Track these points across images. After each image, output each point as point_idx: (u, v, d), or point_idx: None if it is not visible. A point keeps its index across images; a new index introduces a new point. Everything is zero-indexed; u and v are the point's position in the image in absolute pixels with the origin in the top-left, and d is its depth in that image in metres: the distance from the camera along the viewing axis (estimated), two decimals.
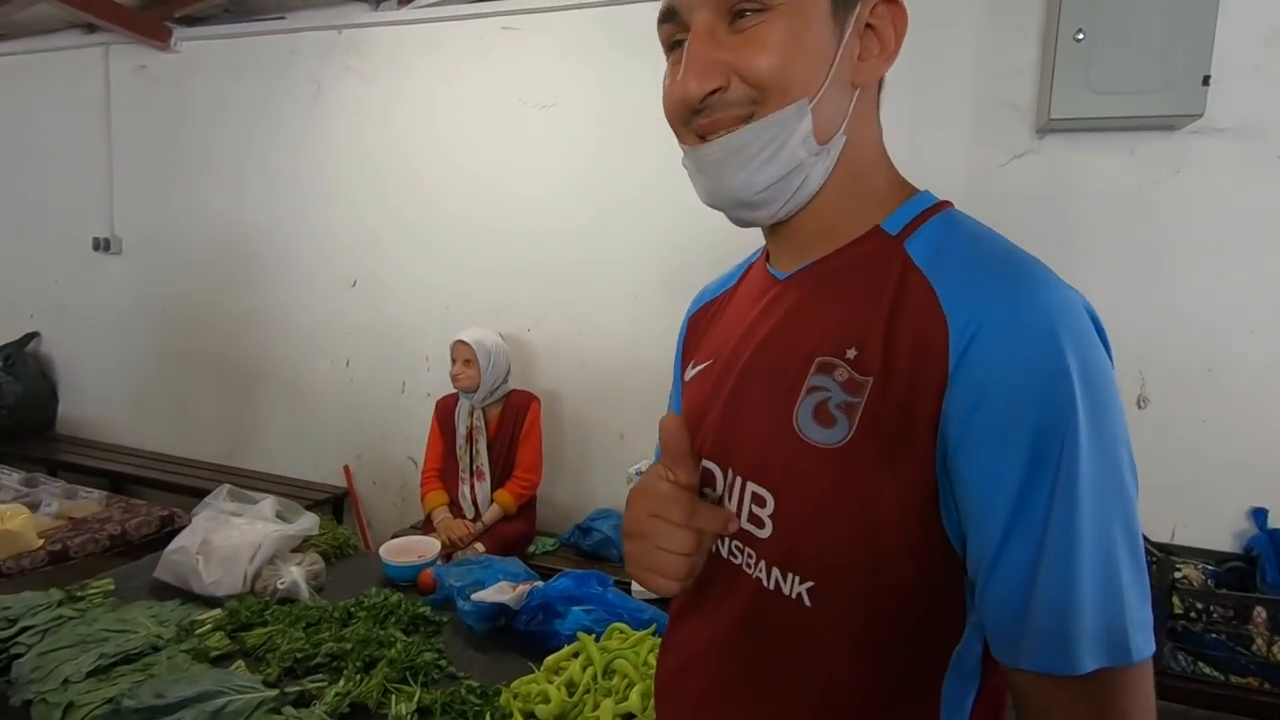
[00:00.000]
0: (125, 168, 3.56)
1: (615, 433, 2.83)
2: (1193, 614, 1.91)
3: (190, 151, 3.41)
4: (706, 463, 0.64)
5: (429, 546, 2.01)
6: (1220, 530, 2.18)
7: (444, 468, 2.62)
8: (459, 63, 2.91)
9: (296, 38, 3.16)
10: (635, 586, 2.33)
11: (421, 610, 1.65)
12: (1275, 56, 2.00)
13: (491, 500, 2.52)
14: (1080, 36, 2.07)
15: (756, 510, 0.59)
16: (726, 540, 0.63)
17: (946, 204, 0.62)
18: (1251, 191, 2.08)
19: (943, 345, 0.52)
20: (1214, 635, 1.89)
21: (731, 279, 0.77)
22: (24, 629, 1.46)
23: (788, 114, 0.55)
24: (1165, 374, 2.19)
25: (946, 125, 2.34)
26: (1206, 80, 1.98)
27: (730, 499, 0.61)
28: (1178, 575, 1.94)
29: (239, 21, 3.26)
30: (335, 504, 3.20)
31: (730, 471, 0.62)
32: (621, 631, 1.48)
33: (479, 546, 2.37)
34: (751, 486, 0.60)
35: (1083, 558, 0.48)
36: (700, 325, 0.78)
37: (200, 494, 3.06)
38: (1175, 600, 1.93)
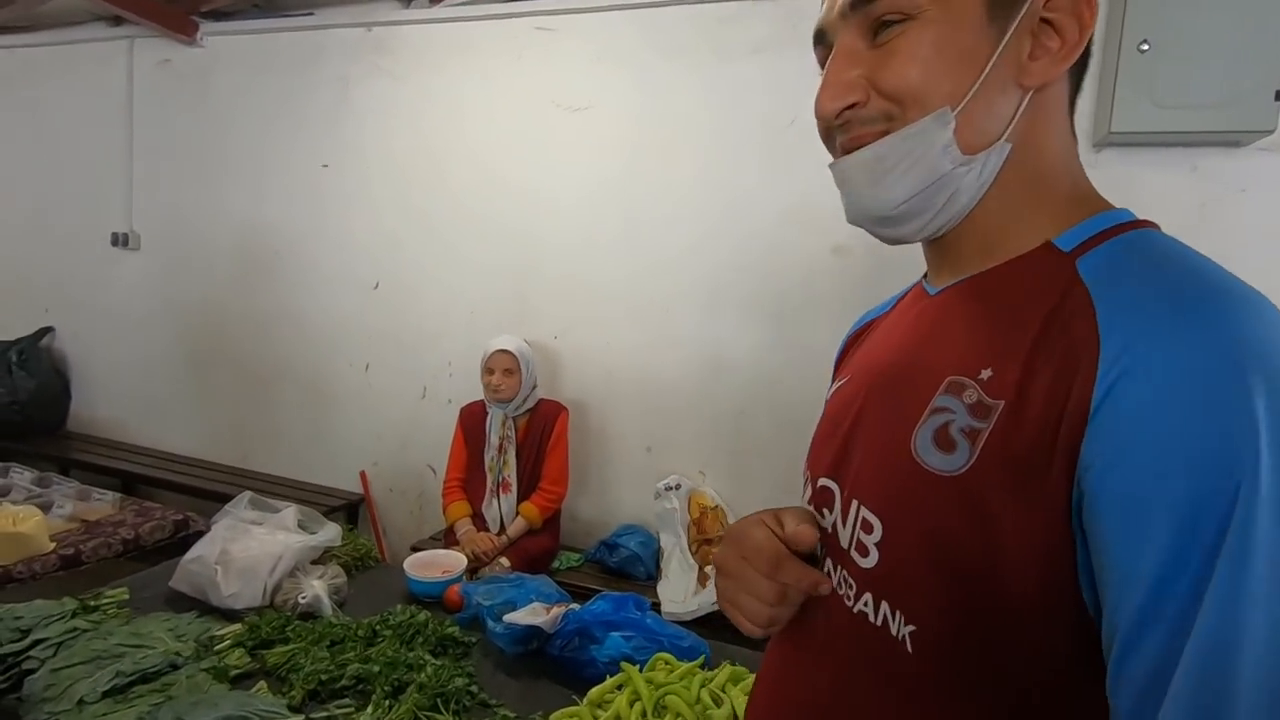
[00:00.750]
0: (146, 163, 3.51)
1: (642, 446, 2.75)
2: None
3: (212, 148, 3.36)
4: (826, 480, 0.61)
5: (454, 561, 1.94)
6: None
7: (467, 478, 2.54)
8: (490, 63, 2.86)
9: (324, 34, 3.11)
10: (665, 607, 2.25)
11: (450, 630, 1.57)
12: None
13: (517, 513, 2.44)
14: (1145, 47, 1.99)
15: (864, 537, 0.55)
16: (836, 567, 0.58)
17: (1146, 223, 0.53)
18: None
19: (1089, 374, 0.44)
20: None
21: (896, 299, 0.72)
22: (37, 641, 1.39)
23: (925, 125, 0.51)
24: None
25: None
26: (1279, 95, 1.90)
27: (844, 523, 0.57)
28: None
29: (266, 17, 3.22)
30: (350, 511, 3.13)
31: (845, 492, 0.58)
32: (666, 662, 1.39)
33: (504, 562, 2.28)
34: (862, 511, 0.56)
35: (1241, 664, 0.38)
36: (854, 344, 0.74)
37: (215, 497, 3.04)
38: None
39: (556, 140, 2.78)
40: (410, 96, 2.99)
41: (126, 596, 1.72)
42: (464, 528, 2.41)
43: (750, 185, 2.54)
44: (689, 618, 2.18)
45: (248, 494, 1.98)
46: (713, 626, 2.20)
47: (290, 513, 2.00)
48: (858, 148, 0.54)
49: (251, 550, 1.82)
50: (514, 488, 2.46)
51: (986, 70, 0.51)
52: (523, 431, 2.50)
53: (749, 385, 2.59)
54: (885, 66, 0.52)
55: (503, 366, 2.42)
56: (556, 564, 2.50)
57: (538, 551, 2.42)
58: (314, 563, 1.91)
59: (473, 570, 2.23)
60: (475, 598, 1.76)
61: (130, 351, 3.58)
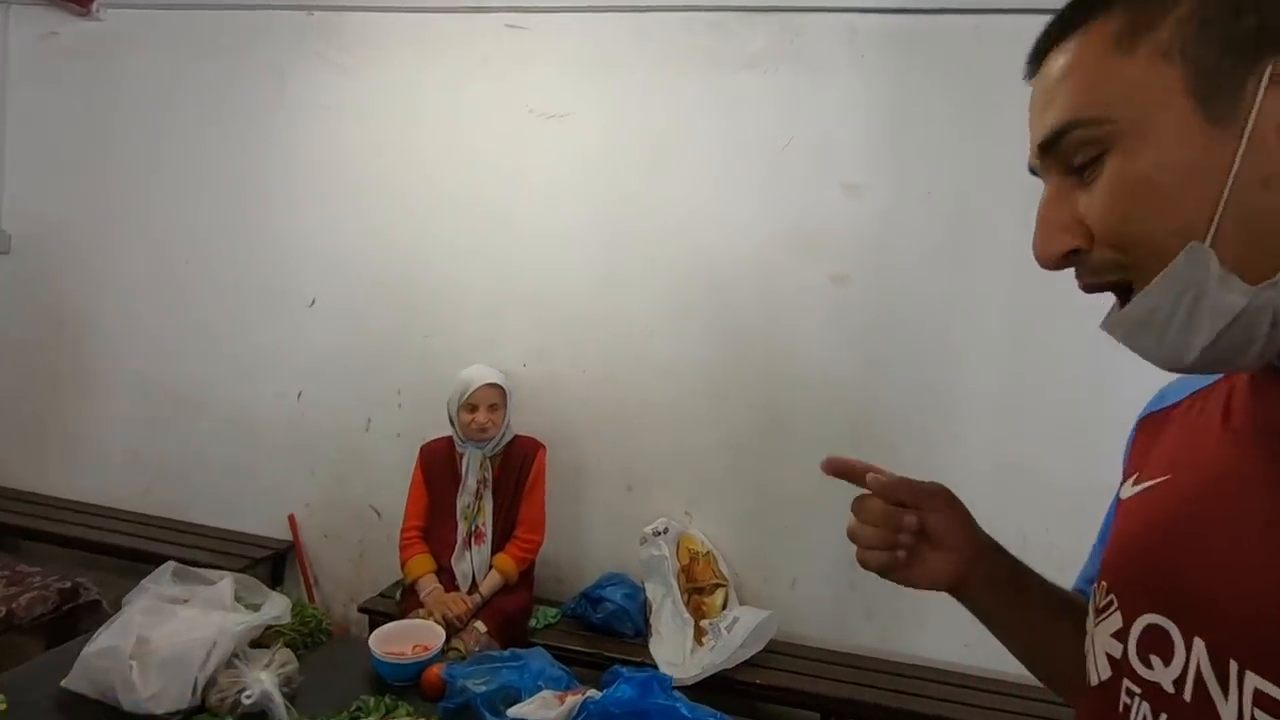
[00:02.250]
0: (22, 151, 2.98)
1: (622, 485, 2.53)
2: None
3: (107, 138, 2.88)
4: (1155, 618, 0.47)
5: (429, 634, 1.66)
6: None
7: (429, 526, 2.23)
8: (454, 60, 2.58)
9: (255, 16, 2.73)
10: (663, 670, 2.02)
11: None
12: None
13: (490, 567, 2.16)
14: None
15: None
16: None
17: None
18: None
19: None
20: None
21: (1200, 382, 0.56)
22: None
23: (1177, 270, 0.42)
24: None
25: (995, 169, 2.21)
26: None
27: (1224, 695, 0.42)
28: None
29: None
30: (276, 561, 2.72)
31: (1202, 643, 0.44)
32: None
33: (480, 626, 1.99)
34: (1255, 680, 0.40)
35: None
36: (1151, 432, 0.59)
37: (112, 551, 2.56)
38: None
39: (529, 149, 2.53)
40: (360, 92, 2.65)
41: (3, 707, 1.34)
42: (429, 586, 2.10)
43: (743, 207, 2.39)
44: (691, 682, 1.98)
45: (171, 565, 1.62)
46: (717, 691, 2.01)
47: (225, 585, 1.65)
48: (1100, 291, 0.48)
49: (177, 637, 1.49)
50: (488, 537, 2.17)
51: (1231, 177, 0.40)
52: (496, 472, 2.22)
53: (741, 418, 2.42)
54: (1095, 210, 0.45)
55: (488, 402, 2.14)
56: (533, 622, 2.22)
57: (514, 611, 2.15)
58: (254, 644, 1.58)
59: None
60: (462, 682, 1.50)
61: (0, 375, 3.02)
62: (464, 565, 2.15)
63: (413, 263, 2.64)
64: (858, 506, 0.64)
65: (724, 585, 2.32)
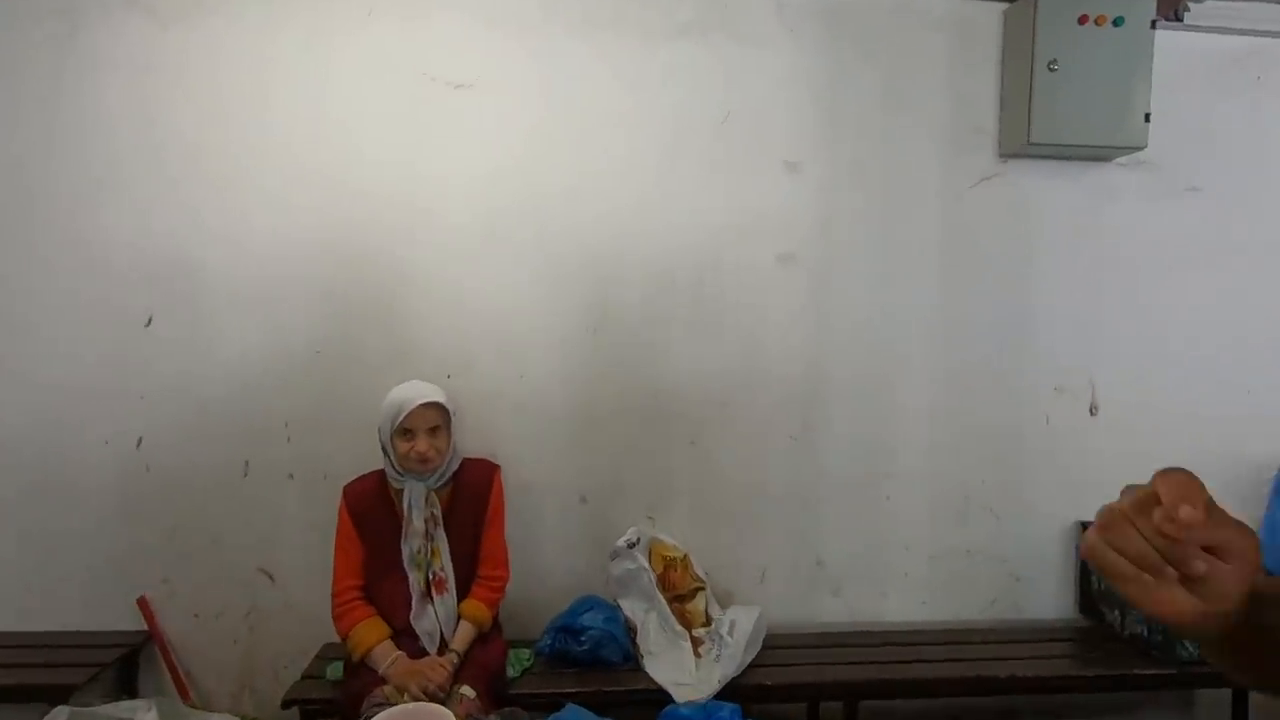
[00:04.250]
0: None
1: (574, 496, 2.28)
2: None
3: None
4: None
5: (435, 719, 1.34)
6: None
7: (370, 584, 1.83)
8: (323, 16, 2.12)
9: None
10: (680, 694, 1.84)
11: None
12: (1177, 100, 2.30)
13: (458, 618, 1.82)
14: (1054, 67, 2.16)
15: None
16: None
17: None
18: (1170, 217, 2.37)
19: None
20: None
21: None
22: None
23: None
24: (1112, 382, 2.40)
25: (924, 147, 2.30)
26: (1148, 117, 2.21)
27: None
28: None
29: None
30: (128, 661, 2.10)
31: None
32: None
33: (468, 691, 1.66)
34: None
35: None
36: None
37: None
38: None
39: (431, 123, 2.16)
40: (189, 51, 2.09)
41: None
42: (389, 656, 1.71)
43: (682, 187, 2.24)
44: (710, 694, 1.83)
45: (63, 712, 1.12)
46: (735, 701, 1.88)
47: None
48: None
49: None
50: (450, 583, 1.82)
51: None
52: (447, 505, 1.87)
53: (697, 410, 2.29)
54: None
55: (427, 425, 1.78)
56: (510, 671, 1.92)
57: (495, 663, 1.83)
58: None
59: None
60: None
61: None
62: (427, 622, 1.79)
63: (283, 262, 2.15)
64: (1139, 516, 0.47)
65: (703, 588, 2.19)
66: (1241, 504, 2.52)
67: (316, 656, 2.05)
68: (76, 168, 2.08)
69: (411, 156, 2.17)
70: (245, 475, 2.18)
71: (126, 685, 2.10)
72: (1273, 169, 2.40)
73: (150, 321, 2.13)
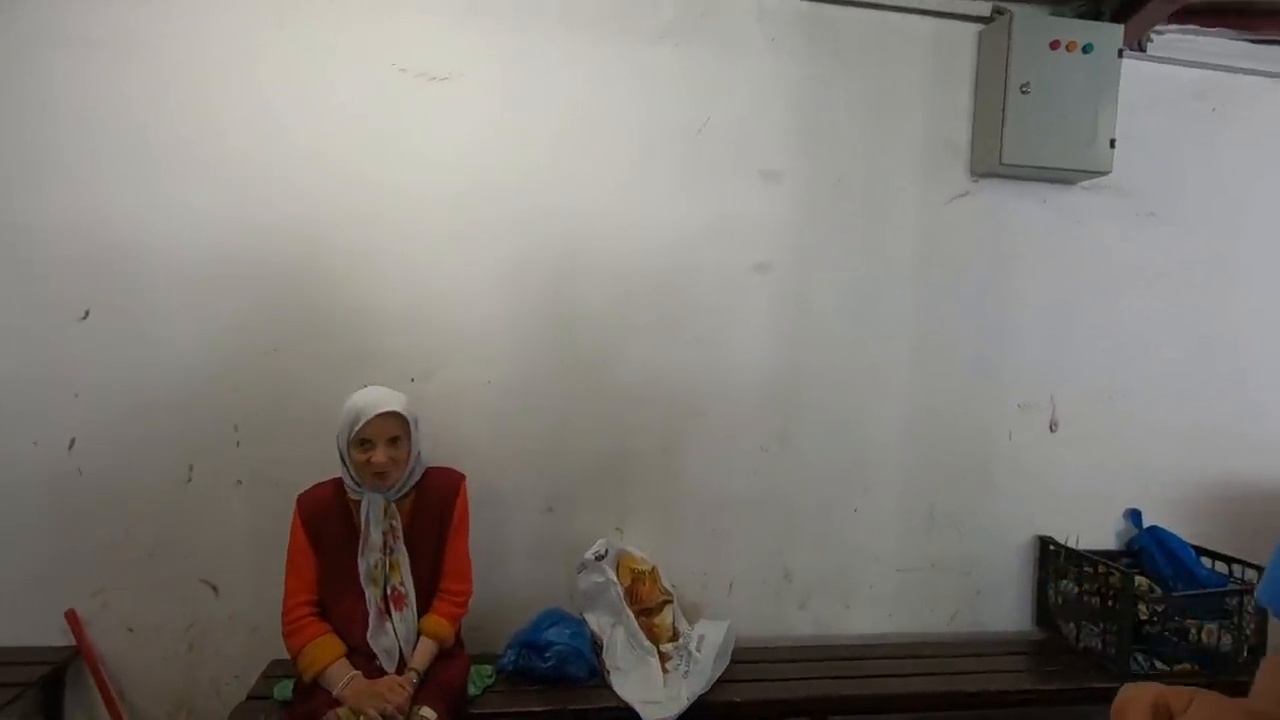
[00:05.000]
0: None
1: (540, 506, 2.22)
2: (1154, 618, 2.13)
3: None
4: None
5: None
6: (1106, 532, 2.52)
7: (324, 599, 1.73)
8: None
9: None
10: (648, 713, 1.79)
11: None
12: (1140, 127, 2.37)
13: (418, 633, 1.73)
14: (1027, 90, 2.20)
15: None
16: None
17: None
18: (1129, 241, 2.44)
19: None
20: (1166, 633, 2.13)
21: None
22: None
23: None
24: (1072, 399, 2.45)
25: (900, 162, 2.32)
26: (1113, 143, 2.27)
27: None
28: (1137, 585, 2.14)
29: None
30: (53, 679, 1.94)
31: None
32: None
33: (429, 714, 1.58)
34: None
35: None
36: None
37: None
38: (1141, 607, 2.13)
39: (402, 115, 2.08)
40: (137, 24, 1.95)
41: None
42: (343, 675, 1.62)
43: (657, 192, 2.21)
44: (679, 712, 1.79)
45: None
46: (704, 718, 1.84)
47: None
48: None
49: None
50: (411, 599, 1.74)
51: None
52: (408, 518, 1.79)
53: (669, 418, 2.26)
54: None
55: (386, 435, 1.69)
56: (471, 689, 1.84)
57: (457, 681, 1.75)
58: None
59: None
60: None
61: None
62: (385, 640, 1.69)
63: (237, 255, 2.03)
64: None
65: (671, 601, 2.15)
66: (1195, 518, 2.62)
67: (263, 675, 1.93)
68: (9, 148, 1.92)
69: (380, 149, 2.08)
70: (189, 481, 2.04)
71: (51, 707, 1.95)
72: (1226, 198, 2.49)
73: (87, 315, 1.98)
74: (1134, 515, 2.51)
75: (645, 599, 2.11)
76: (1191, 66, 2.45)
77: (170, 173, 1.98)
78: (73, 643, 1.99)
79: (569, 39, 2.13)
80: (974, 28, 2.32)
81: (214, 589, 2.07)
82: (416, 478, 1.81)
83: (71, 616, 2.00)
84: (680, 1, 2.18)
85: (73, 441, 1.99)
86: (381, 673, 1.66)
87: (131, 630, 2.04)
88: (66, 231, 1.95)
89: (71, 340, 1.97)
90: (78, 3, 1.94)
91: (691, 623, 2.17)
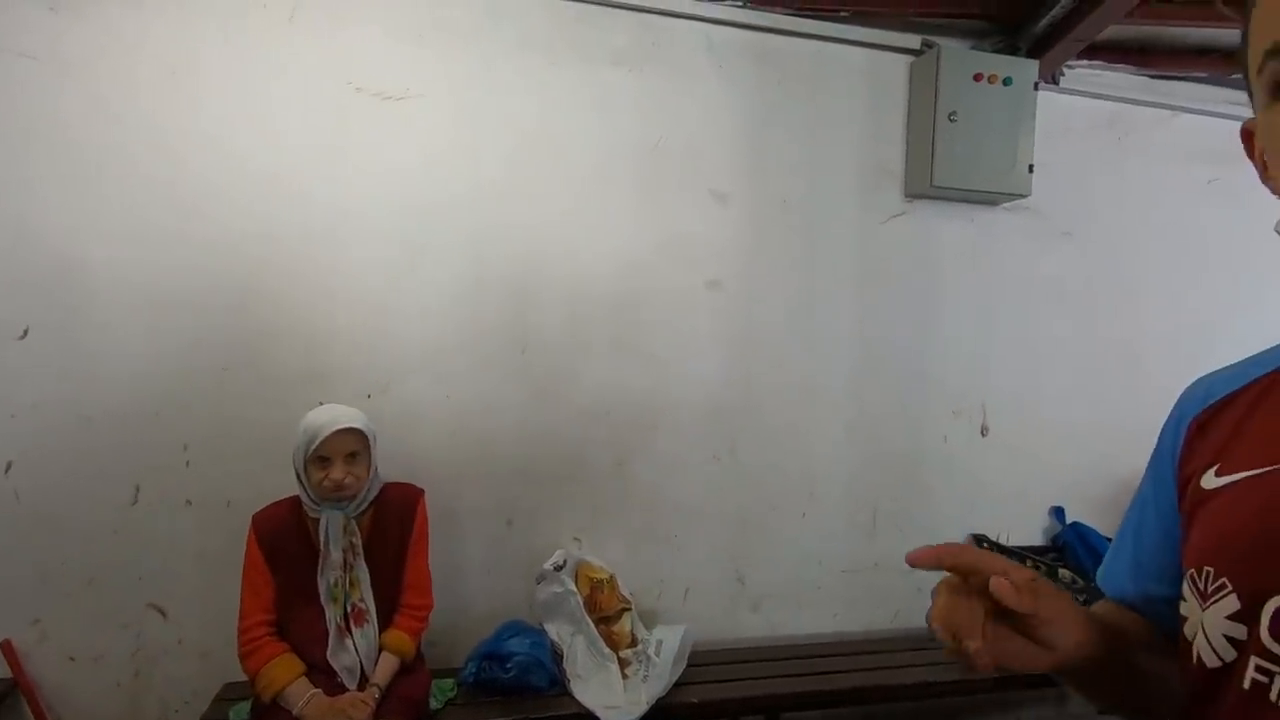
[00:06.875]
0: None
1: (499, 519, 2.24)
2: None
3: None
4: None
5: None
6: (1034, 529, 2.70)
7: (281, 618, 1.72)
8: (239, 15, 2.01)
9: None
10: (609, 718, 1.84)
11: None
12: (1055, 154, 2.57)
13: (379, 649, 1.74)
14: (954, 118, 2.37)
15: None
16: None
17: None
18: (1046, 257, 2.64)
19: None
20: None
21: (1249, 374, 0.61)
22: None
23: None
24: (999, 404, 2.63)
25: (840, 184, 2.45)
26: (1031, 168, 2.45)
27: None
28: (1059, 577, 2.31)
29: None
30: None
31: None
32: None
33: None
34: None
35: None
36: (1213, 427, 0.61)
37: None
38: None
39: (353, 131, 2.09)
40: (84, 41, 1.92)
41: None
42: (304, 695, 1.61)
43: (611, 211, 2.28)
44: (639, 715, 1.84)
45: None
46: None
47: None
48: None
49: None
50: (372, 615, 1.74)
51: None
52: (368, 534, 1.79)
53: (625, 432, 2.32)
54: None
55: (345, 452, 1.70)
56: (433, 702, 1.85)
57: (419, 695, 1.76)
58: None
59: None
60: None
61: None
62: (346, 657, 1.70)
63: (190, 271, 2.00)
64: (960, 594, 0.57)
65: (629, 608, 2.20)
66: (1111, 513, 2.81)
67: (217, 698, 1.90)
68: None
69: (334, 166, 2.08)
70: (134, 503, 1.99)
71: None
72: (1131, 220, 2.72)
73: (26, 333, 1.92)
74: (1058, 513, 2.69)
75: (604, 606, 2.16)
76: (1100, 99, 2.67)
77: (110, 188, 1.94)
78: (9, 675, 1.91)
79: (524, 60, 2.19)
80: (906, 59, 2.48)
81: (162, 612, 2.02)
82: (375, 493, 1.82)
83: (6, 647, 1.92)
84: (633, 29, 2.27)
85: (9, 465, 1.92)
86: (342, 690, 1.67)
87: (72, 659, 1.98)
88: (2, 248, 1.89)
89: (9, 359, 1.91)
90: (10, 15, 1.89)
91: (649, 628, 2.23)
